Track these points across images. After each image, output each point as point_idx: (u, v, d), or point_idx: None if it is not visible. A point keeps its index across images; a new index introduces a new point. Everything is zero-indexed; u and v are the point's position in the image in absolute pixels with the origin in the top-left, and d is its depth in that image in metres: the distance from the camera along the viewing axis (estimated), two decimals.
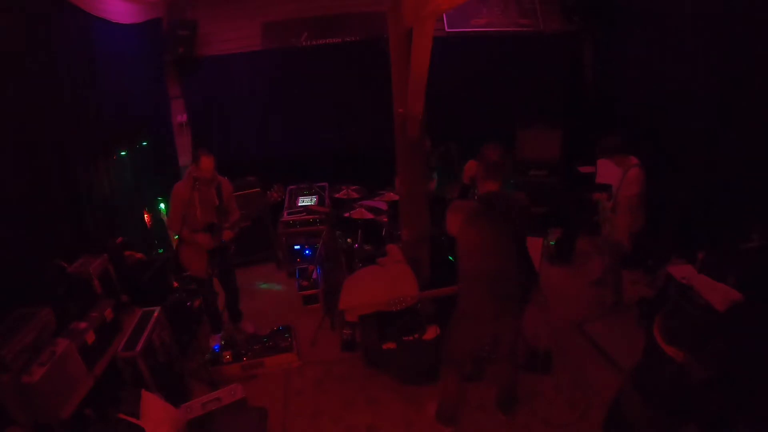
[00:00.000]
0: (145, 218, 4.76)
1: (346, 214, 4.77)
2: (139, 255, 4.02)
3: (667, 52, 4.46)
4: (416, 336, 3.45)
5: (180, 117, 5.59)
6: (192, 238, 3.57)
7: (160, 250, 4.83)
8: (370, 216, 4.80)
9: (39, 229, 3.06)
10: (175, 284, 4.27)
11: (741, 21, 3.61)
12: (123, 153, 4.44)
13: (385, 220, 4.80)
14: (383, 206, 5.05)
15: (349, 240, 4.71)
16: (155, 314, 3.37)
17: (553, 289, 4.45)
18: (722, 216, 3.81)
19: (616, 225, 3.84)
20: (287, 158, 5.84)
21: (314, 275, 4.45)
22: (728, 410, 2.15)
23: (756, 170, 3.55)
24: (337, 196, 5.14)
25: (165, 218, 4.94)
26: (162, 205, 5.13)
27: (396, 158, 3.70)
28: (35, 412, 2.37)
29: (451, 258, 4.06)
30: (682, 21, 4.21)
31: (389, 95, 3.48)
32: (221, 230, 3.68)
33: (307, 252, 5.02)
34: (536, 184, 5.44)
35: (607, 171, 4.04)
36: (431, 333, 3.44)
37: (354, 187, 5.03)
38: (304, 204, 5.19)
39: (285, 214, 5.06)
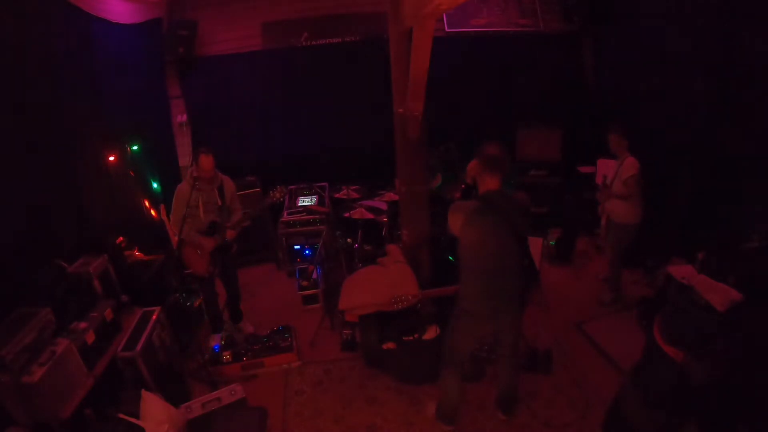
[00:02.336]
0: (154, 214, 4.77)
1: (346, 214, 4.77)
2: (139, 255, 4.02)
3: (667, 52, 4.46)
4: (416, 336, 3.45)
5: (180, 117, 5.58)
6: (194, 240, 3.58)
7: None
8: (370, 216, 4.80)
9: (39, 229, 3.06)
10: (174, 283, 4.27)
11: (741, 20, 3.61)
12: (123, 153, 4.44)
13: (385, 220, 4.80)
14: (383, 206, 5.05)
15: (349, 240, 4.71)
16: (155, 314, 3.37)
17: (553, 289, 4.46)
18: (722, 216, 3.81)
19: (614, 211, 3.88)
20: (287, 158, 5.84)
21: (314, 275, 4.45)
22: (728, 410, 2.15)
23: (756, 170, 3.55)
24: (337, 196, 5.14)
25: (166, 218, 4.94)
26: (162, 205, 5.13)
27: (396, 158, 3.70)
28: (35, 412, 2.37)
29: (451, 258, 4.06)
30: (682, 21, 4.22)
31: (389, 95, 3.48)
32: (224, 229, 3.69)
33: (307, 252, 5.02)
34: (536, 184, 5.44)
35: (605, 169, 4.05)
36: (431, 333, 3.44)
37: (354, 187, 5.03)
38: (304, 204, 5.19)
39: (285, 214, 5.06)
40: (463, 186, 2.84)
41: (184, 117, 5.59)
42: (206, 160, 3.48)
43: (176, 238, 3.55)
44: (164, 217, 4.98)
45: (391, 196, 5.14)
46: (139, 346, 3.01)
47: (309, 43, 5.57)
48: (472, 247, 2.49)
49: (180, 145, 5.63)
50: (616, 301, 4.17)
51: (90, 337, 2.85)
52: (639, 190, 3.75)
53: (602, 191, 3.98)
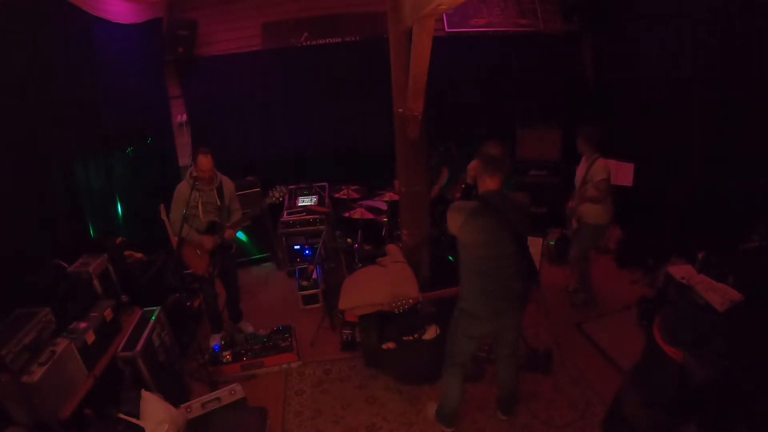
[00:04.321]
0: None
1: (346, 214, 4.78)
2: (139, 255, 4.02)
3: (667, 52, 4.46)
4: (416, 336, 3.45)
5: (180, 117, 5.59)
6: (194, 239, 3.58)
7: None
8: (370, 216, 4.80)
9: (39, 229, 3.06)
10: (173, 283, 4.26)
11: (740, 21, 3.61)
12: (123, 153, 4.44)
13: (385, 220, 4.80)
14: (383, 206, 5.05)
15: (349, 240, 4.71)
16: (155, 314, 3.37)
17: (553, 289, 4.46)
18: (722, 216, 3.81)
19: (586, 212, 3.86)
20: (287, 158, 5.83)
21: (314, 275, 4.45)
22: (728, 410, 2.15)
23: (756, 170, 3.55)
24: (337, 196, 5.15)
25: (166, 218, 4.94)
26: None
27: (396, 158, 3.70)
28: (35, 412, 2.37)
29: (451, 258, 4.07)
30: (682, 21, 4.22)
31: (389, 95, 3.48)
32: (223, 229, 3.69)
33: (307, 252, 5.02)
34: (536, 184, 5.44)
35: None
36: (431, 333, 3.44)
37: (354, 187, 5.03)
38: (304, 204, 5.19)
39: (285, 214, 5.06)
40: (463, 186, 2.85)
41: (184, 117, 5.60)
42: (205, 161, 3.48)
43: (176, 238, 3.55)
44: (164, 217, 4.99)
45: (391, 196, 5.14)
46: (139, 346, 3.01)
47: (309, 43, 5.57)
48: (470, 247, 2.49)
49: (180, 145, 5.64)
50: (589, 302, 4.16)
51: (90, 337, 2.84)
52: (610, 192, 3.75)
53: (575, 196, 3.97)
